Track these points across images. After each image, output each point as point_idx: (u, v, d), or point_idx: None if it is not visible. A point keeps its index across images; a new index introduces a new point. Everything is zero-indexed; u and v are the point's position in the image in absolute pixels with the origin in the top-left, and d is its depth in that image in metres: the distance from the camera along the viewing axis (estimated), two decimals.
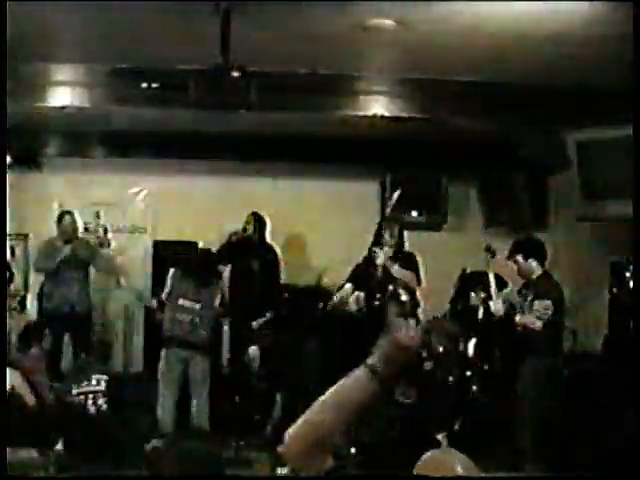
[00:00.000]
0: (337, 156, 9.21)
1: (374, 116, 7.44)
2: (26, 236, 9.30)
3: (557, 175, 8.74)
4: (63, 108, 7.36)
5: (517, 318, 6.70)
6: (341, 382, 2.15)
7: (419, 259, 7.48)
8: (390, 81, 7.24)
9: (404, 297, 7.27)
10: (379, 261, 7.22)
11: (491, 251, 7.27)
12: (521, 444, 6.56)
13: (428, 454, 2.25)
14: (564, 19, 5.42)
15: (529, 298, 6.68)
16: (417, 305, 7.41)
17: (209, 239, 8.68)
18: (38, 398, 6.47)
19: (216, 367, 8.03)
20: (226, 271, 8.26)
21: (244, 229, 8.35)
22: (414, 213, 9.21)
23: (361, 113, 7.47)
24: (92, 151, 9.36)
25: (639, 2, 4.88)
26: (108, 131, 8.97)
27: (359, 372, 2.14)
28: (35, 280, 8.94)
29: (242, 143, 9.03)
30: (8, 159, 8.23)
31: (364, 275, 7.36)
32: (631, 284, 7.47)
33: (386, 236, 7.33)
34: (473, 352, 7.43)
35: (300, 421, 2.14)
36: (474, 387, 7.26)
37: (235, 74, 5.52)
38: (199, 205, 9.31)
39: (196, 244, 8.79)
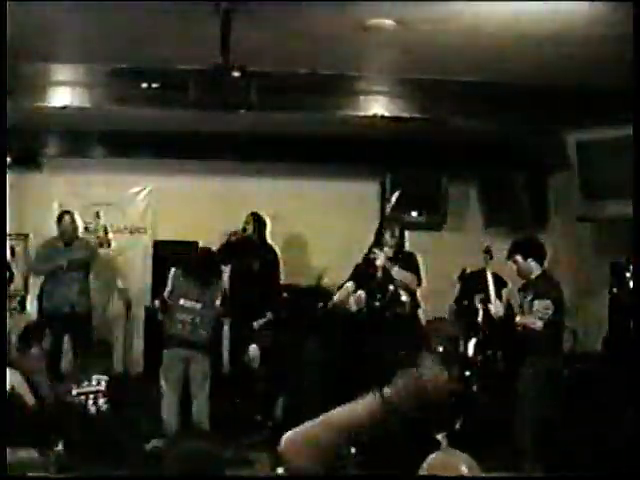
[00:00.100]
0: (337, 156, 9.21)
1: (374, 116, 7.44)
2: (26, 236, 9.30)
3: (557, 175, 8.74)
4: (63, 108, 7.36)
5: (517, 319, 6.71)
6: (351, 406, 2.10)
7: (419, 259, 7.48)
8: (390, 81, 7.24)
9: (404, 298, 7.28)
10: (379, 262, 7.22)
11: (489, 253, 7.27)
12: (521, 444, 6.56)
13: (432, 456, 2.26)
14: (564, 19, 5.42)
15: (529, 298, 6.68)
16: (417, 306, 7.42)
17: (209, 239, 8.68)
18: (38, 398, 6.47)
19: (216, 367, 8.03)
20: (226, 271, 8.26)
21: (243, 229, 8.35)
22: (414, 213, 9.21)
23: (361, 113, 7.47)
24: (92, 151, 9.37)
25: (639, 2, 4.88)
26: (108, 131, 8.97)
27: (371, 400, 2.09)
28: (35, 280, 8.94)
29: (242, 143, 9.04)
30: (8, 159, 8.23)
31: (365, 275, 7.36)
32: (631, 284, 7.47)
33: (386, 237, 7.33)
34: (473, 352, 7.43)
35: (301, 430, 2.13)
36: (474, 387, 7.26)
37: (235, 74, 5.52)
38: (199, 205, 9.31)
39: (196, 244, 8.79)
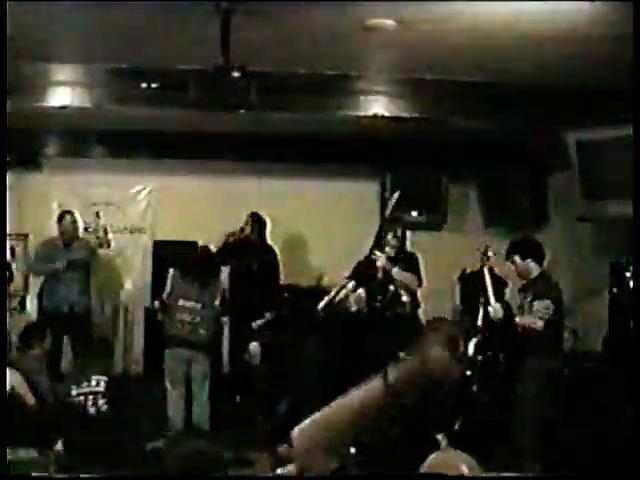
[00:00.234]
0: (337, 156, 9.20)
1: (374, 116, 7.44)
2: (26, 236, 9.29)
3: (557, 175, 8.74)
4: (63, 108, 7.36)
5: (517, 319, 6.70)
6: (355, 391, 2.07)
7: (420, 260, 7.48)
8: (390, 81, 7.25)
9: (405, 298, 7.28)
10: (379, 264, 7.22)
11: (486, 255, 7.26)
12: (521, 444, 6.55)
13: (432, 456, 2.26)
14: (564, 19, 5.42)
15: (529, 299, 6.67)
16: (418, 306, 7.42)
17: (209, 239, 8.67)
18: (38, 398, 6.47)
19: (217, 367, 8.03)
20: (225, 271, 8.26)
21: (241, 229, 8.34)
22: (414, 213, 9.20)
23: (361, 113, 7.48)
24: (92, 151, 9.36)
25: (639, 2, 4.88)
26: (108, 131, 8.97)
27: (375, 384, 2.04)
28: (35, 280, 8.94)
29: (242, 143, 9.03)
30: (8, 159, 8.23)
31: (365, 274, 7.36)
32: (631, 284, 7.47)
33: (388, 237, 7.33)
34: (473, 352, 7.43)
35: (308, 421, 2.12)
36: (474, 387, 7.25)
37: (235, 74, 5.53)
38: (199, 205, 9.30)
39: (196, 244, 8.79)
